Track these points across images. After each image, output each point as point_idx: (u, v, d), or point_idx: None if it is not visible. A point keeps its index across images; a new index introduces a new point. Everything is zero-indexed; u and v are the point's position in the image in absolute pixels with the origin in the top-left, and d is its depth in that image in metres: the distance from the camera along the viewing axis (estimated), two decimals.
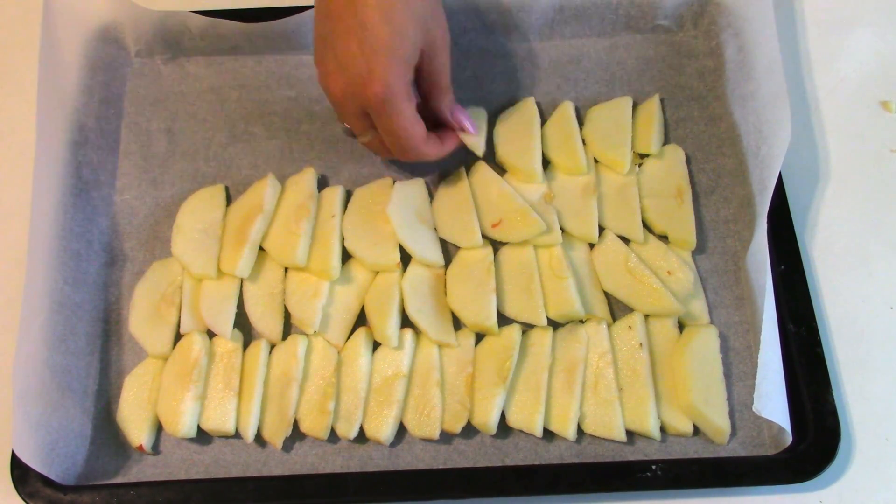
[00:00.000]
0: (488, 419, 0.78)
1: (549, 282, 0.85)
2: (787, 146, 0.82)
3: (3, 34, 1.02)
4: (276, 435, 0.79)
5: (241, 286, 0.86)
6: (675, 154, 0.92)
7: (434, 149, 0.83)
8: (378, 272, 0.86)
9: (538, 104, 0.94)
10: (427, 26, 0.77)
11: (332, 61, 0.76)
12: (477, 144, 0.87)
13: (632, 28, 0.98)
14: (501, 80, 0.97)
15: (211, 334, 0.84)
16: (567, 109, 0.93)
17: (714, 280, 0.86)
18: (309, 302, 0.83)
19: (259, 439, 0.81)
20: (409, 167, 0.91)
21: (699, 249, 0.87)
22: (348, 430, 0.79)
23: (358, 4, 0.73)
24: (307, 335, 0.83)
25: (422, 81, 0.81)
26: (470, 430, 0.80)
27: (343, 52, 0.75)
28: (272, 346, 0.84)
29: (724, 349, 0.83)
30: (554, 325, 0.84)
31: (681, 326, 0.84)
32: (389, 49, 0.74)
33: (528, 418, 0.79)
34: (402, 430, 0.81)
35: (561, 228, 0.86)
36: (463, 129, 0.86)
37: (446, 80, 0.82)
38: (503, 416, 0.79)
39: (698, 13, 0.97)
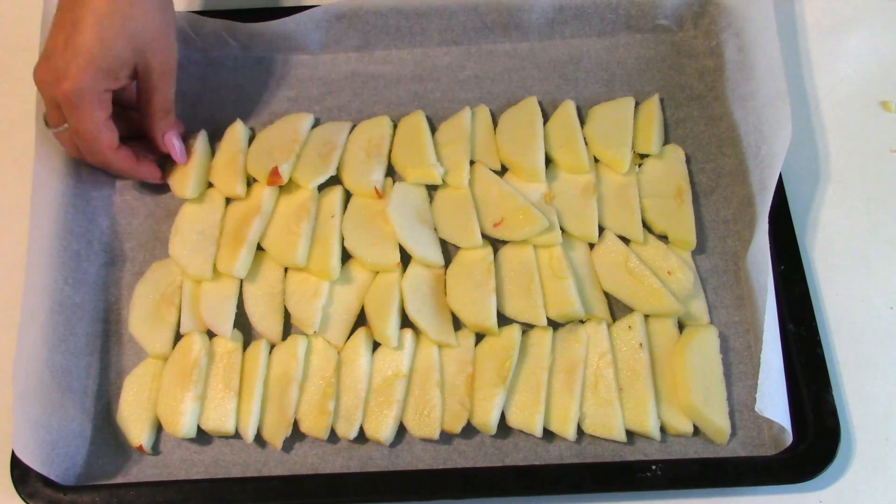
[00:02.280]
0: (488, 419, 0.78)
1: (549, 282, 0.85)
2: (787, 146, 0.82)
3: (3, 34, 1.02)
4: (276, 435, 0.79)
5: (241, 286, 0.86)
6: (675, 154, 0.92)
7: (125, 162, 0.85)
8: (378, 272, 0.86)
9: (539, 103, 0.94)
10: (144, 48, 0.80)
11: (42, 49, 0.81)
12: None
13: (632, 28, 0.98)
14: (501, 80, 0.97)
15: (211, 334, 0.84)
16: (569, 108, 0.93)
17: (714, 280, 0.86)
18: (309, 302, 0.83)
19: (259, 439, 0.81)
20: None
21: (699, 249, 0.87)
22: (348, 430, 0.79)
23: (80, 4, 0.76)
24: (307, 335, 0.83)
25: (141, 102, 0.84)
26: (470, 430, 0.80)
27: (51, 44, 0.78)
28: (272, 347, 0.84)
29: (724, 349, 0.83)
30: (554, 325, 0.84)
31: (681, 326, 0.84)
32: (90, 56, 0.76)
33: (528, 418, 0.79)
34: (402, 430, 0.81)
35: (561, 228, 0.86)
36: (171, 154, 0.88)
37: (162, 104, 0.85)
38: (503, 416, 0.79)
39: (698, 13, 0.97)
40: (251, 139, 0.94)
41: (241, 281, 0.86)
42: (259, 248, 0.87)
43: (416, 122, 0.93)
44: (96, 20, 0.76)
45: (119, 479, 0.79)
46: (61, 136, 0.83)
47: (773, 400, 0.75)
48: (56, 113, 0.81)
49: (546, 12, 0.96)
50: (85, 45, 0.76)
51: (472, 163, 0.91)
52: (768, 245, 0.80)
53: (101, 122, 0.80)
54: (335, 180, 0.90)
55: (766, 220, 0.81)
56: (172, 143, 0.87)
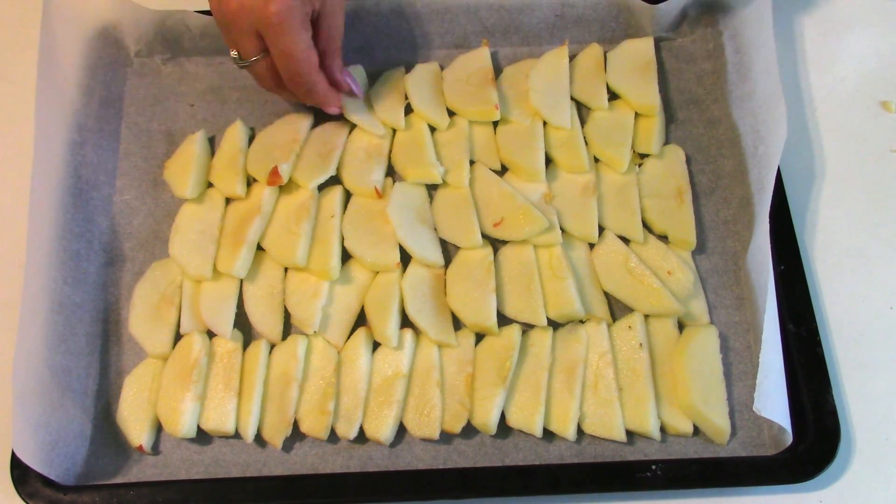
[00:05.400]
0: (488, 419, 0.78)
1: (549, 282, 0.85)
2: (783, 145, 0.82)
3: (3, 34, 1.02)
4: (276, 435, 0.79)
5: (241, 286, 0.86)
6: (676, 154, 0.92)
7: (323, 83, 0.85)
8: (378, 272, 0.86)
9: None
10: None
11: None
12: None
13: (631, 36, 0.98)
14: None
15: (211, 334, 0.84)
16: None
17: (714, 280, 0.86)
18: (309, 302, 0.83)
19: (259, 439, 0.81)
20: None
21: (699, 249, 0.88)
22: (348, 430, 0.79)
23: None
24: (307, 335, 0.83)
25: (318, 40, 0.84)
26: (470, 430, 0.80)
27: None
28: (272, 346, 0.84)
29: (724, 349, 0.83)
30: (554, 325, 0.84)
31: (681, 326, 0.84)
32: None
33: (528, 418, 0.79)
34: (402, 430, 0.81)
35: (561, 228, 0.87)
36: (350, 92, 0.90)
37: (339, 41, 0.85)
38: (503, 416, 0.79)
39: (695, 18, 0.97)
40: (251, 139, 0.94)
41: (241, 281, 0.86)
42: (259, 248, 0.87)
43: (417, 122, 0.93)
44: None
45: (119, 479, 0.79)
46: (255, 66, 0.84)
47: (772, 400, 0.75)
48: (253, 42, 0.80)
49: (547, 18, 0.96)
50: None
51: (472, 163, 0.91)
52: (769, 245, 0.80)
53: (308, 42, 0.81)
54: (335, 180, 0.91)
55: (767, 219, 0.81)
56: (346, 79, 0.89)
